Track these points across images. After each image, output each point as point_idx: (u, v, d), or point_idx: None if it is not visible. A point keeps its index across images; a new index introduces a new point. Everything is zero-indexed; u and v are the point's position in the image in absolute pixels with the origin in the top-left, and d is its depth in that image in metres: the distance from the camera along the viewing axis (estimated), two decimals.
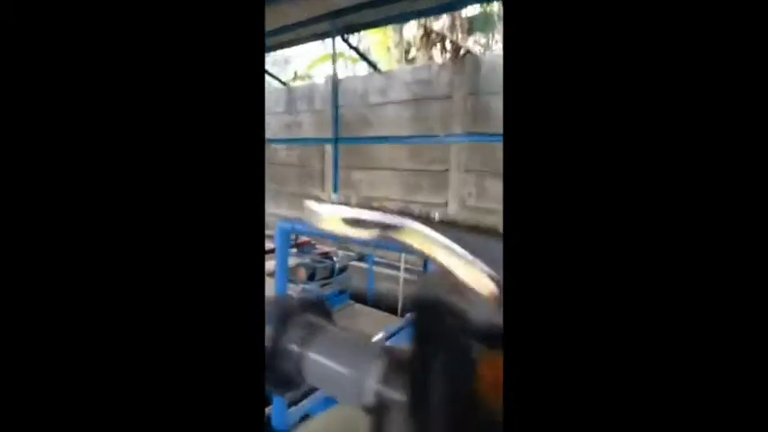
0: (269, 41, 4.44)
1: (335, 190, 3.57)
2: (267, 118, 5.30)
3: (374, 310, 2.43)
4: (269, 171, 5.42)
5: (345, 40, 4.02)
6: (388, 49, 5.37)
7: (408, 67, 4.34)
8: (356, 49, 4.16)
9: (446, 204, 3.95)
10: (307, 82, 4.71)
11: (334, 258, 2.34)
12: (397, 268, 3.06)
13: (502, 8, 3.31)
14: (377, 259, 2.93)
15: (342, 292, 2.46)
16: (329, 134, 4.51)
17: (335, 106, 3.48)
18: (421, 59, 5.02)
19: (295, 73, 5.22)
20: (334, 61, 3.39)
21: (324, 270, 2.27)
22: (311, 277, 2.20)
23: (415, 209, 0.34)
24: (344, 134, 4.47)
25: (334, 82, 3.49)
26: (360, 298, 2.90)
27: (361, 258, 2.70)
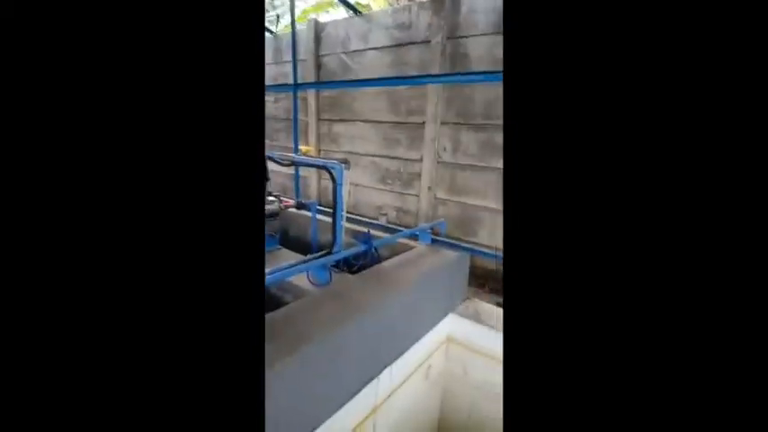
0: None
1: (296, 142, 3.52)
2: None
3: (297, 255, 2.46)
4: None
5: None
6: None
7: (388, 9, 4.02)
8: None
9: (421, 160, 3.78)
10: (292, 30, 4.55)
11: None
12: (351, 220, 3.04)
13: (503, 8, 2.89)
14: (324, 209, 2.92)
15: (270, 237, 2.51)
16: (311, 87, 4.41)
17: (294, 54, 3.35)
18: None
19: (277, 17, 5.04)
20: (292, 6, 3.20)
21: None
22: None
23: None
24: (330, 87, 4.35)
25: (293, 29, 3.33)
26: (303, 248, 2.93)
27: (302, 207, 2.70)
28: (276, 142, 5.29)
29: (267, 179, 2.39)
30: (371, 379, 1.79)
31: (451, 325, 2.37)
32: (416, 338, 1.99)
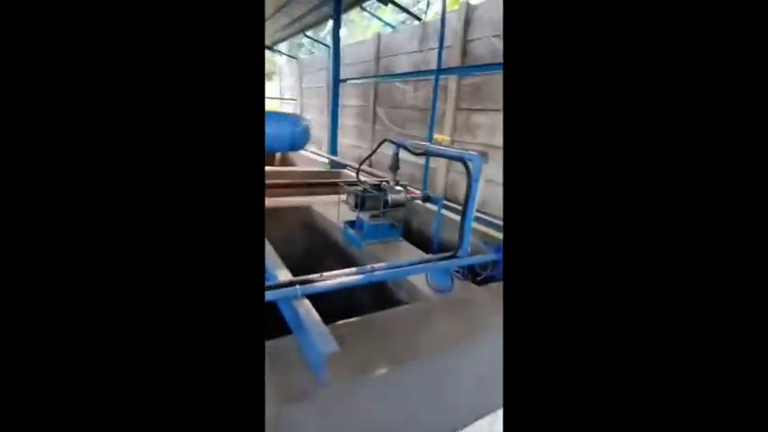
0: None
1: (431, 130, 3.34)
2: (400, 58, 5.30)
3: (418, 251, 2.29)
4: (393, 114, 5.51)
5: None
6: None
7: None
8: None
9: None
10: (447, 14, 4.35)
11: (388, 191, 2.27)
12: (478, 220, 2.72)
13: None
14: (450, 204, 2.67)
15: (393, 226, 2.40)
16: (454, 72, 4.15)
17: (441, 38, 3.14)
18: None
19: (428, 3, 4.89)
20: None
21: (373, 201, 2.25)
22: (360, 206, 2.23)
23: None
24: (476, 71, 4.02)
25: (443, 10, 3.11)
26: (424, 243, 2.76)
27: (428, 200, 2.52)
28: (410, 131, 5.27)
29: (397, 168, 2.28)
30: (487, 413, 1.50)
31: None
32: None
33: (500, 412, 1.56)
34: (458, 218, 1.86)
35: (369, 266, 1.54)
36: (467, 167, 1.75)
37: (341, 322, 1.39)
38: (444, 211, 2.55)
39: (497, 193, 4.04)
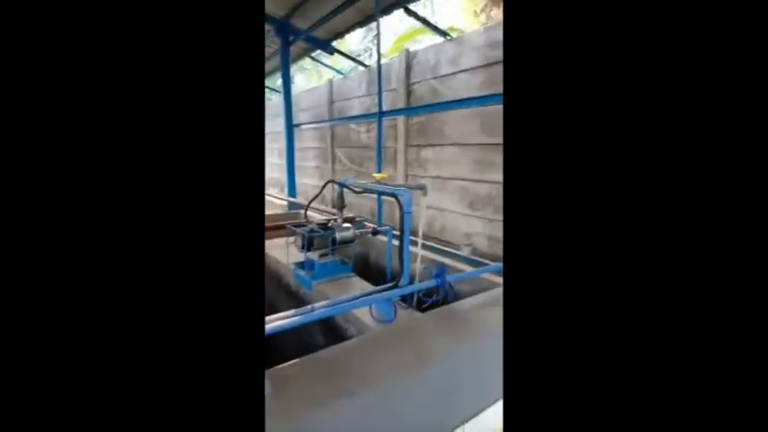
0: (323, 31, 4.65)
1: (379, 168, 3.52)
2: (352, 102, 5.61)
3: (369, 284, 2.34)
4: (351, 153, 5.73)
5: (409, 12, 3.83)
6: (476, 12, 4.82)
7: (480, 29, 3.82)
8: (422, 19, 3.92)
9: None
10: (386, 61, 4.73)
11: (335, 230, 2.35)
12: (433, 249, 2.83)
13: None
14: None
15: (343, 263, 2.46)
16: (396, 114, 4.45)
17: (379, 82, 3.40)
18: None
19: (371, 50, 5.30)
20: (378, 39, 3.29)
21: (321, 240, 2.31)
22: (307, 246, 2.29)
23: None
24: (416, 112, 4.33)
25: (378, 61, 3.40)
26: (380, 276, 2.82)
27: (377, 233, 2.61)
28: (366, 170, 5.48)
29: (343, 206, 2.38)
30: None
31: None
32: (493, 400, 1.64)
33: (499, 404, 1.58)
34: (412, 248, 1.95)
35: (309, 306, 1.58)
36: (398, 202, 1.87)
37: (282, 365, 1.40)
38: (396, 242, 2.65)
39: (452, 220, 4.22)
